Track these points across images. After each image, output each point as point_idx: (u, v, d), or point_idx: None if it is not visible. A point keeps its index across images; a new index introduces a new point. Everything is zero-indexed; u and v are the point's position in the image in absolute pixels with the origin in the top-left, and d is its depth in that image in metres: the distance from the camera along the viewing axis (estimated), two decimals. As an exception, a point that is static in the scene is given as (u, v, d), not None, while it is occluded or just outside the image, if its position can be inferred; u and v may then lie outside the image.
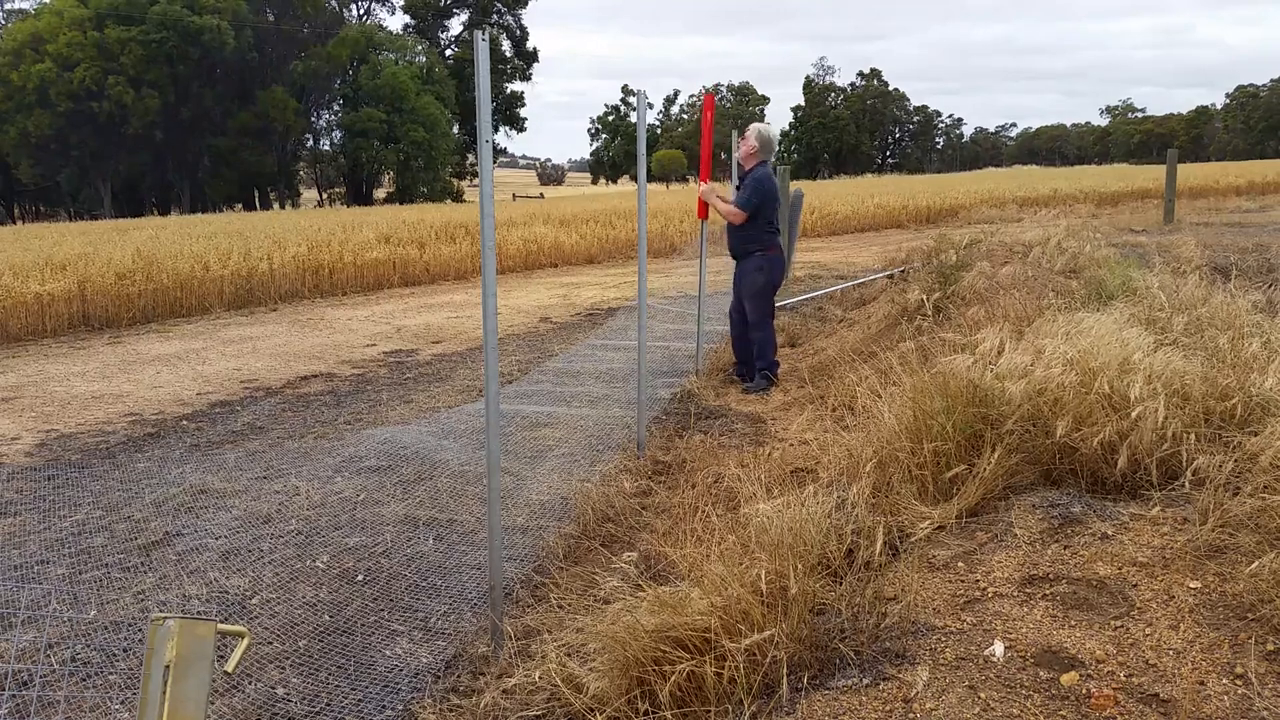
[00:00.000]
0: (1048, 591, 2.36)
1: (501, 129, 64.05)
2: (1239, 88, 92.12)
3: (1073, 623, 2.22)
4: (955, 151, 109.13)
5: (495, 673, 2.79)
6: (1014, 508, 2.82)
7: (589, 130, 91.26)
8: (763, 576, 2.42)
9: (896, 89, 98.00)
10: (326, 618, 3.23)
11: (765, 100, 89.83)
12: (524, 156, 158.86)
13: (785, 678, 2.20)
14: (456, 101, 54.30)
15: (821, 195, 25.24)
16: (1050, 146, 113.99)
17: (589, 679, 2.43)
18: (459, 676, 2.85)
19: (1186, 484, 2.66)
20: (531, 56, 63.91)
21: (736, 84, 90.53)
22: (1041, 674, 2.06)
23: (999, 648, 2.16)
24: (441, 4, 60.85)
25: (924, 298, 6.40)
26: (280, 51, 49.89)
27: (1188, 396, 3.02)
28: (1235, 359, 3.36)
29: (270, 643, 3.06)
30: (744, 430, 5.27)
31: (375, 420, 6.07)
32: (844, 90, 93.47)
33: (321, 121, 54.65)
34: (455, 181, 58.64)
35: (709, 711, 2.22)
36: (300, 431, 5.83)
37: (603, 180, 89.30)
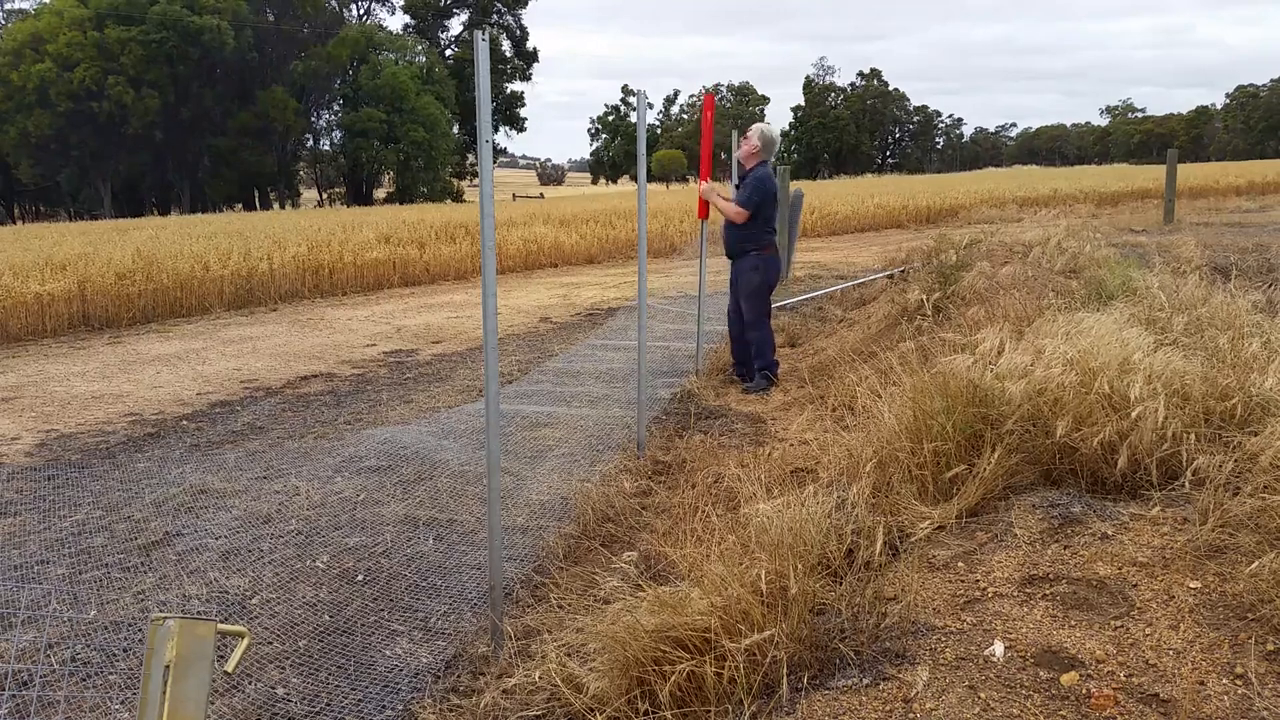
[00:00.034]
0: (1048, 591, 2.36)
1: (501, 129, 64.07)
2: (1239, 88, 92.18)
3: (1073, 623, 2.22)
4: (955, 151, 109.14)
5: (495, 673, 2.79)
6: (1014, 508, 2.82)
7: (589, 130, 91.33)
8: (763, 576, 2.42)
9: (896, 89, 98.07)
10: (326, 618, 3.23)
11: (765, 100, 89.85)
12: (524, 156, 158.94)
13: (785, 678, 2.20)
14: (456, 101, 54.31)
15: (821, 195, 25.24)
16: (1050, 146, 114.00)
17: (589, 679, 2.43)
18: (459, 676, 2.85)
19: (1186, 484, 2.66)
20: (531, 56, 63.92)
21: (736, 84, 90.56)
22: (1041, 674, 2.06)
23: (999, 648, 2.16)
24: (441, 4, 60.85)
25: (924, 298, 6.40)
26: (280, 51, 49.89)
27: (1188, 396, 3.02)
28: (1235, 359, 3.36)
29: (270, 643, 3.06)
30: (744, 430, 5.27)
31: (375, 420, 6.07)
32: (844, 90, 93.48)
33: (321, 121, 54.70)
34: (455, 181, 58.65)
35: (709, 711, 2.22)
36: (300, 431, 5.83)
37: (603, 180, 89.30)
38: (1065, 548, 2.54)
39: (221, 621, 1.74)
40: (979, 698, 2.01)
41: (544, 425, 5.63)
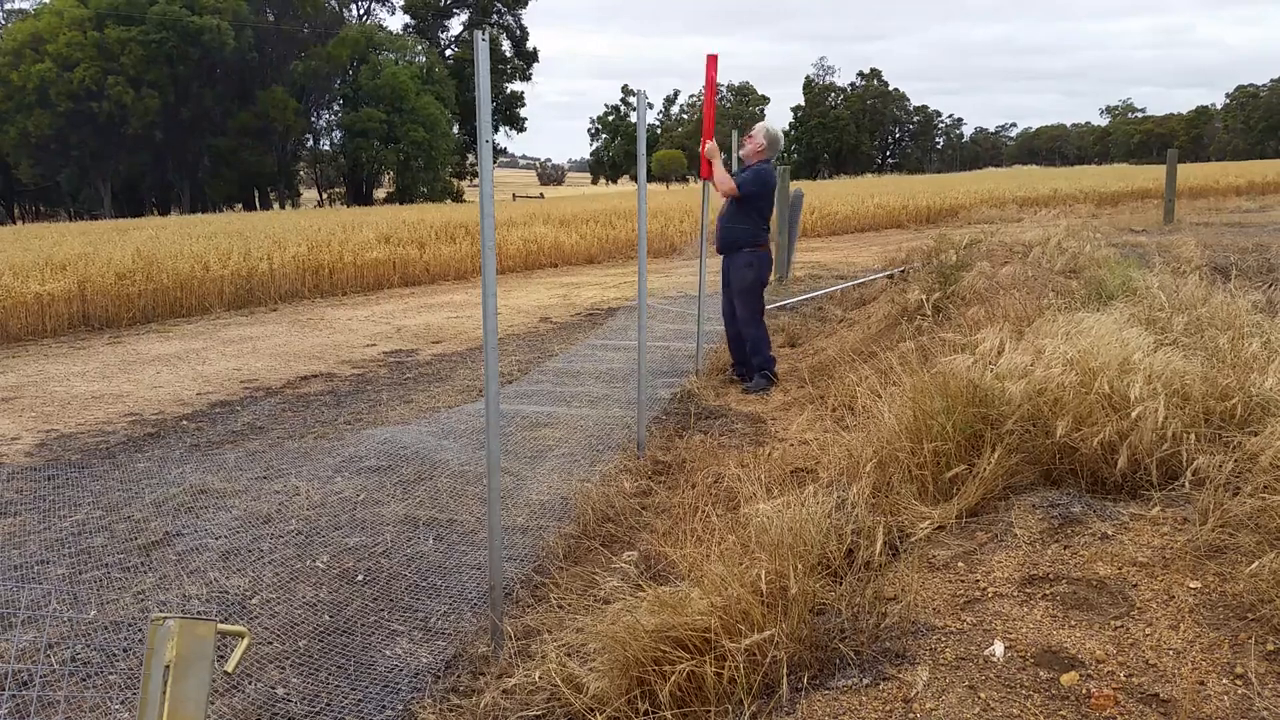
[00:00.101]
0: (1048, 591, 2.36)
1: (501, 129, 64.06)
2: (1239, 88, 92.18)
3: (1073, 623, 2.22)
4: (955, 151, 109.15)
5: (495, 673, 2.79)
6: (1014, 508, 2.82)
7: (589, 130, 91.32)
8: (763, 576, 2.42)
9: (896, 89, 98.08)
10: (326, 618, 3.23)
11: (765, 100, 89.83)
12: (524, 156, 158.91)
13: (785, 678, 2.20)
14: (456, 101, 54.31)
15: (821, 195, 25.24)
16: (1050, 146, 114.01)
17: (589, 679, 2.43)
18: (459, 676, 2.85)
19: (1186, 484, 2.66)
20: (531, 56, 63.92)
21: (736, 84, 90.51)
22: (1041, 674, 2.06)
23: (999, 648, 2.16)
24: (441, 4, 60.85)
25: (924, 298, 6.40)
26: (280, 51, 49.89)
27: (1188, 396, 3.02)
28: (1235, 359, 3.36)
29: (270, 643, 3.06)
30: (744, 430, 5.27)
31: (375, 420, 6.07)
32: (844, 90, 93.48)
33: (321, 121, 54.70)
34: (455, 181, 58.64)
35: (709, 711, 2.22)
36: (300, 431, 5.83)
37: (603, 180, 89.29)
38: (1065, 548, 2.54)
39: (221, 621, 1.74)
40: (979, 698, 2.01)
41: (544, 425, 5.63)
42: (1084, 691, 1.98)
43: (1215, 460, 2.62)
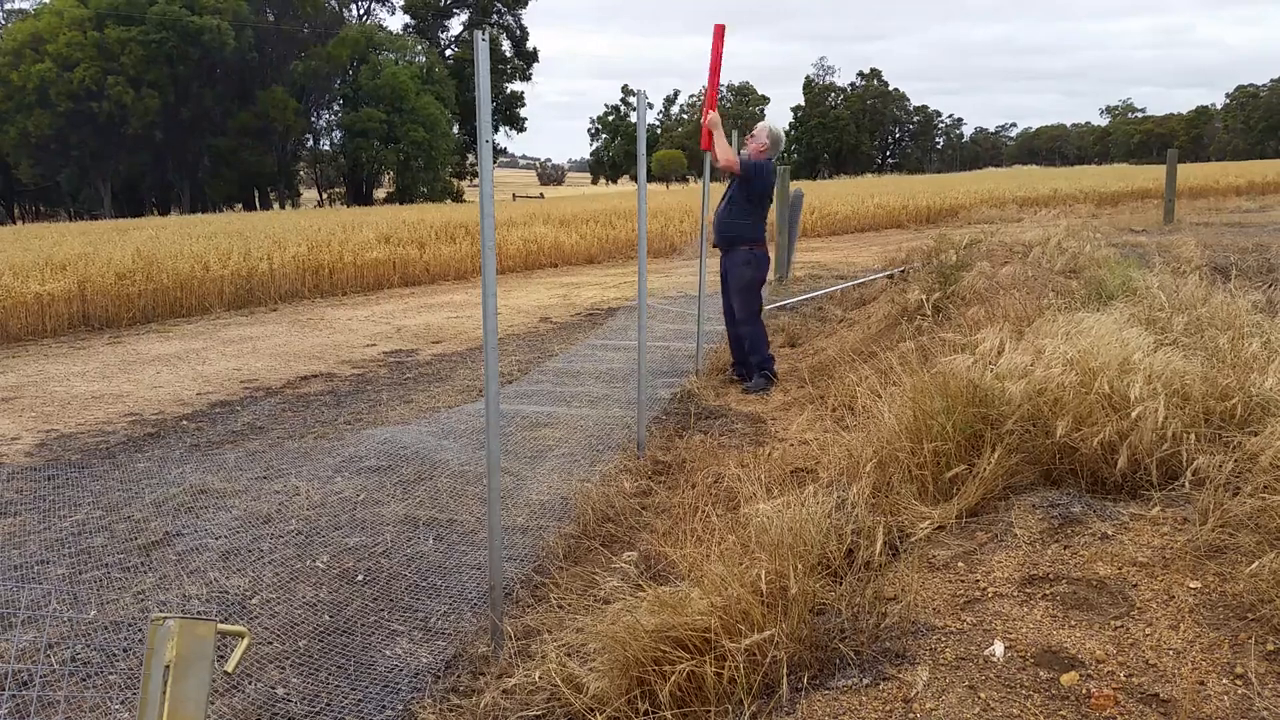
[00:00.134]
0: (1048, 591, 2.36)
1: (501, 129, 64.06)
2: (1239, 88, 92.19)
3: (1073, 623, 2.22)
4: (955, 151, 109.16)
5: (495, 673, 2.79)
6: (1014, 508, 2.82)
7: (589, 130, 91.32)
8: (763, 576, 2.42)
9: (896, 89, 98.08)
10: (326, 618, 3.23)
11: (765, 100, 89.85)
12: (524, 156, 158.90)
13: (785, 678, 2.20)
14: (456, 101, 54.31)
15: (821, 195, 25.25)
16: (1050, 146, 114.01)
17: (589, 679, 2.43)
18: (459, 676, 2.85)
19: (1186, 484, 2.66)
20: (531, 56, 63.92)
21: (736, 84, 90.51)
22: (1041, 674, 2.06)
23: (999, 648, 2.16)
24: (441, 4, 60.86)
25: (924, 298, 6.40)
26: (280, 51, 49.89)
27: (1188, 396, 3.02)
28: (1235, 359, 3.37)
29: (270, 643, 3.06)
30: (744, 430, 5.27)
31: (375, 420, 6.07)
32: (844, 90, 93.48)
33: (321, 121, 54.70)
34: (455, 181, 58.64)
35: (709, 711, 2.22)
36: (300, 431, 5.83)
37: (603, 180, 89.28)
38: (1065, 548, 2.54)
39: (221, 621, 1.74)
40: (979, 698, 2.01)
41: (544, 425, 5.63)
42: (1084, 691, 1.98)
43: (1215, 460, 2.62)
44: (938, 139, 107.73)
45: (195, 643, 1.64)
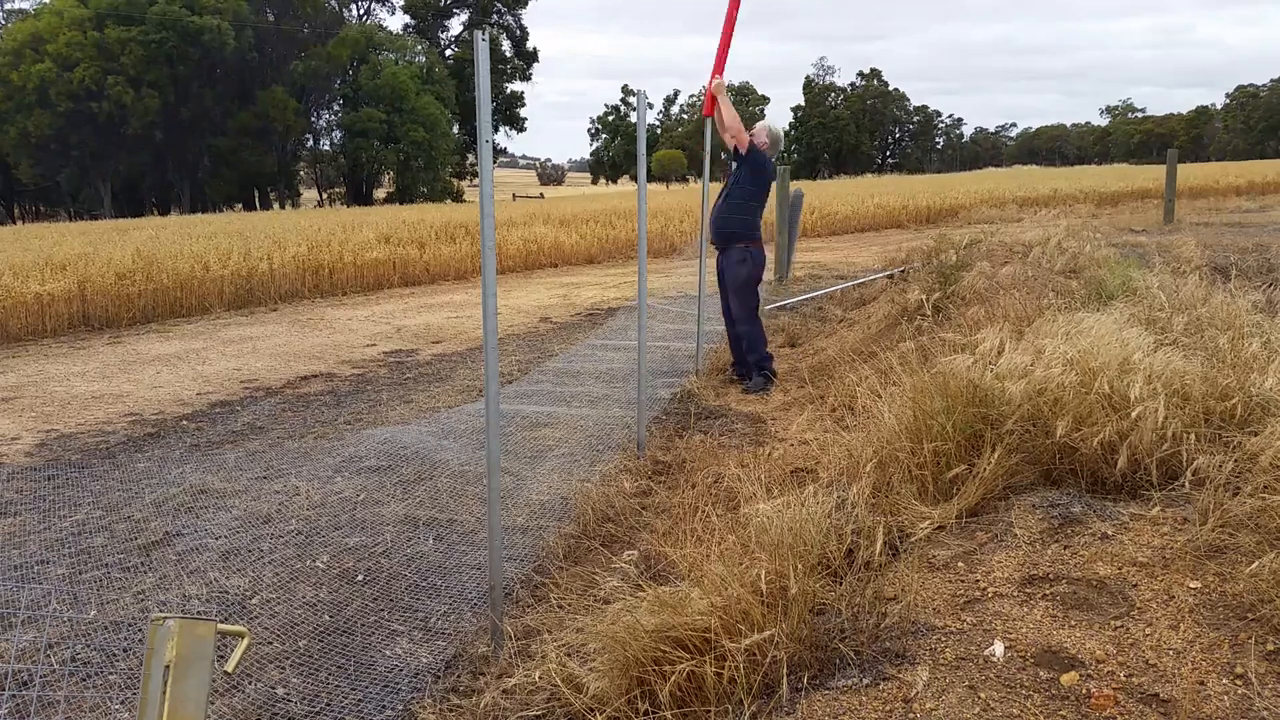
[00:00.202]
0: (1048, 591, 2.36)
1: (501, 129, 64.06)
2: (1239, 88, 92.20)
3: (1073, 623, 2.22)
4: (955, 151, 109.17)
5: (495, 673, 2.79)
6: (1014, 508, 2.82)
7: (589, 130, 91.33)
8: (763, 576, 2.42)
9: (896, 89, 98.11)
10: (326, 618, 3.23)
11: (765, 100, 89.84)
12: (524, 156, 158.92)
13: (785, 678, 2.20)
14: (456, 101, 54.31)
15: (821, 195, 25.25)
16: (1050, 146, 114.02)
17: (589, 679, 2.43)
18: (459, 676, 2.85)
19: (1186, 484, 2.66)
20: (531, 56, 63.92)
21: (736, 84, 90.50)
22: (1041, 674, 2.06)
23: (999, 648, 2.16)
24: (441, 4, 60.86)
25: (924, 298, 6.40)
26: (280, 51, 49.89)
27: (1188, 396, 3.02)
28: (1235, 359, 3.37)
29: (270, 643, 3.06)
30: (744, 430, 5.27)
31: (375, 420, 6.07)
32: (844, 90, 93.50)
33: (321, 121, 54.71)
34: (455, 181, 58.65)
35: (709, 711, 2.22)
36: (300, 431, 5.83)
37: (603, 180, 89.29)
38: (1065, 548, 2.54)
39: (221, 621, 1.74)
40: (979, 698, 2.01)
41: (544, 425, 5.63)
42: (1084, 691, 1.98)
43: (1215, 460, 2.62)
44: (938, 139, 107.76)
45: (195, 643, 1.64)
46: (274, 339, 9.62)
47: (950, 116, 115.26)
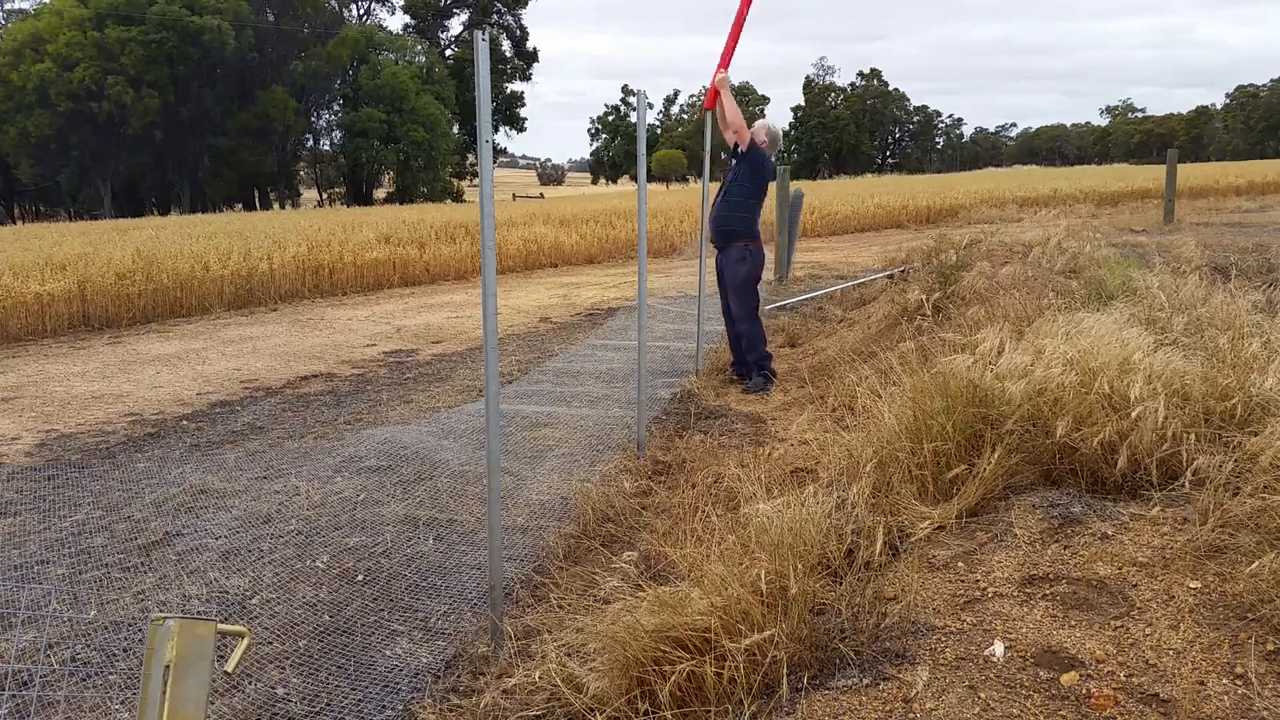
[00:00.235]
0: (1048, 591, 2.36)
1: (501, 129, 64.07)
2: (1239, 88, 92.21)
3: (1073, 623, 2.22)
4: (955, 151, 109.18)
5: (495, 673, 2.79)
6: (1014, 508, 2.82)
7: (589, 130, 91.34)
8: (763, 576, 2.42)
9: (896, 89, 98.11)
10: (326, 618, 3.23)
11: (765, 100, 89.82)
12: (524, 156, 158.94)
13: (785, 678, 2.20)
14: (456, 101, 54.31)
15: (821, 195, 25.25)
16: (1050, 146, 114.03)
17: (589, 679, 2.43)
18: (459, 676, 2.85)
19: (1186, 484, 2.66)
20: (531, 56, 63.92)
21: (737, 84, 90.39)
22: (1041, 674, 2.06)
23: (999, 648, 2.16)
24: (441, 4, 60.86)
25: (924, 298, 6.40)
26: (280, 51, 49.89)
27: (1188, 396, 3.02)
28: (1235, 359, 3.37)
29: (270, 643, 3.06)
30: (744, 430, 5.27)
31: (375, 420, 6.07)
32: (844, 90, 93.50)
33: (321, 121, 54.71)
34: (455, 181, 58.65)
35: (709, 711, 2.22)
36: (300, 431, 5.83)
37: (603, 180, 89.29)
38: (1065, 548, 2.54)
39: (221, 621, 1.74)
40: (979, 698, 2.01)
41: (544, 425, 5.63)
42: (1084, 691, 1.98)
43: (1215, 460, 2.62)
44: (938, 139, 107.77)
45: (195, 643, 1.64)
46: (274, 339, 9.62)
47: (950, 116, 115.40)
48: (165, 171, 47.62)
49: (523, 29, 63.52)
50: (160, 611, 2.35)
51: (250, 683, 2.82)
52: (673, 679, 2.25)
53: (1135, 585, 2.32)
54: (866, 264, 13.71)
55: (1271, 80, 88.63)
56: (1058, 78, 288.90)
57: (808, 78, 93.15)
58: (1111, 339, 3.43)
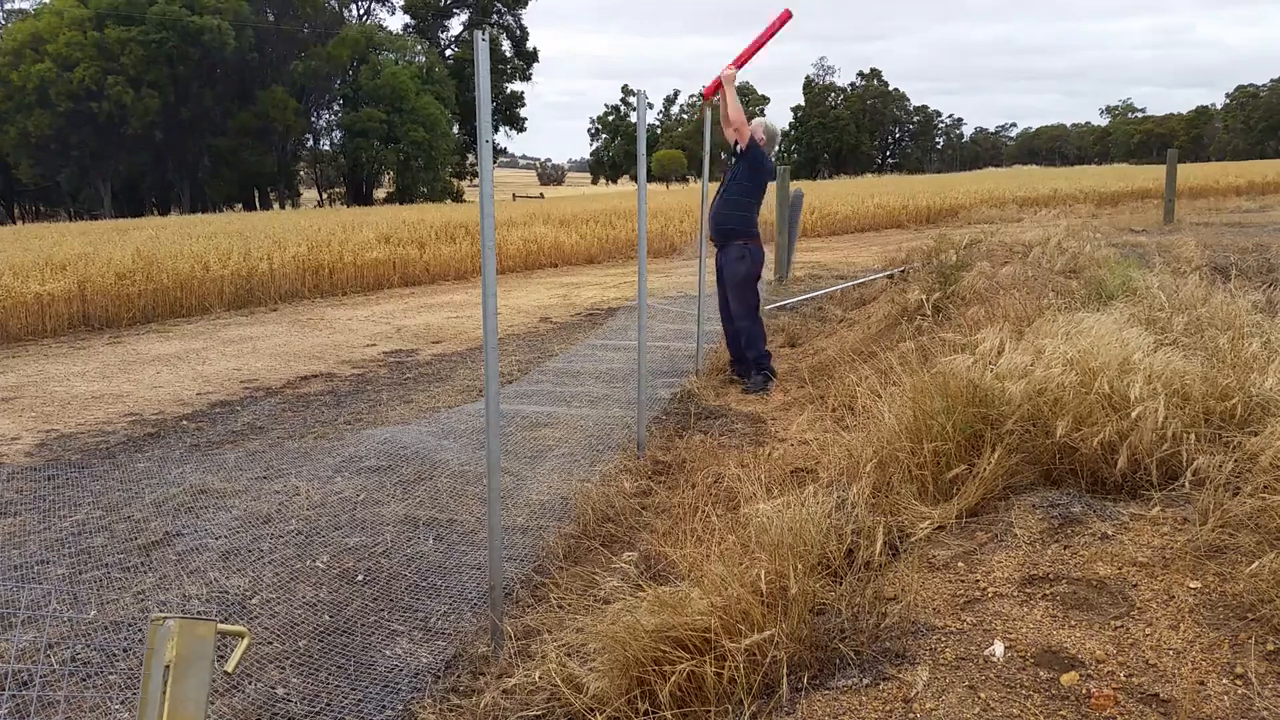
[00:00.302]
0: (1048, 591, 2.36)
1: (501, 129, 64.07)
2: (1239, 88, 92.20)
3: (1073, 623, 2.22)
4: (955, 151, 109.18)
5: (495, 673, 2.79)
6: (1014, 508, 2.82)
7: (589, 130, 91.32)
8: (763, 576, 2.42)
9: (896, 89, 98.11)
10: (326, 618, 3.23)
11: (765, 100, 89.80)
12: (524, 156, 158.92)
13: (785, 678, 2.20)
14: (456, 101, 54.31)
15: (821, 195, 25.24)
16: (1050, 146, 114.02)
17: (589, 679, 2.43)
18: (459, 676, 2.85)
19: (1186, 484, 2.66)
20: (531, 56, 63.92)
21: (737, 84, 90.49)
22: (1041, 674, 2.06)
23: (999, 648, 2.16)
24: (441, 4, 60.86)
25: (924, 298, 6.40)
26: (280, 51, 49.89)
27: (1188, 396, 3.02)
28: (1235, 359, 3.36)
29: (270, 643, 3.06)
30: (744, 430, 5.27)
31: (375, 420, 6.07)
32: (844, 90, 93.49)
33: (321, 121, 54.71)
34: (455, 181, 58.64)
35: (709, 711, 2.22)
36: (300, 431, 5.83)
37: (603, 180, 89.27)
38: (1065, 548, 2.54)
39: (221, 621, 1.74)
40: (979, 698, 2.01)
41: (544, 425, 5.63)
42: (1084, 691, 1.98)
43: (1215, 460, 2.62)
44: (938, 139, 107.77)
45: (195, 643, 1.64)
46: (274, 339, 9.62)
47: (950, 116, 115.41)
48: (165, 171, 47.61)
49: (523, 29, 63.56)
50: (160, 611, 2.35)
51: (250, 683, 2.82)
52: (673, 679, 2.25)
53: (1135, 585, 2.32)
54: (866, 264, 13.71)
55: (1271, 80, 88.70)
56: (1058, 78, 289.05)
57: (808, 78, 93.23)
58: (1111, 339, 3.43)
